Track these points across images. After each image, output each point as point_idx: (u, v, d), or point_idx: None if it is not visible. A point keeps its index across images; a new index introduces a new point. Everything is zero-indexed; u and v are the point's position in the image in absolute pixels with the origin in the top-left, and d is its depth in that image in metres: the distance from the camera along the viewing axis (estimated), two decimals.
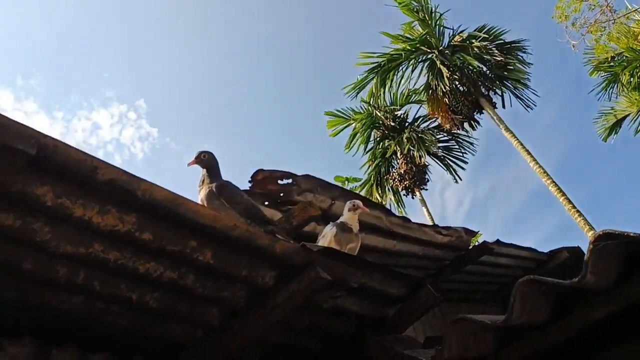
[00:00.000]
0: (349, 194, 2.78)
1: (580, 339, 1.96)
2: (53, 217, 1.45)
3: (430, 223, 13.56)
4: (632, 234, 1.62)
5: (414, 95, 14.85)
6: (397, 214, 3.06)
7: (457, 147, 14.63)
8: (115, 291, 1.72)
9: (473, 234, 3.82)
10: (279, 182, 2.52)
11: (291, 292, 1.90)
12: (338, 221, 2.36)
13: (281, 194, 2.55)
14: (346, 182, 10.10)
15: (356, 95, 14.13)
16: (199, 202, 2.08)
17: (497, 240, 3.85)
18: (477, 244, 4.01)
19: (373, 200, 14.61)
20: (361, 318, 2.32)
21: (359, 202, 2.35)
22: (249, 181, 2.45)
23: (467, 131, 14.15)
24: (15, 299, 1.62)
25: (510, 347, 1.95)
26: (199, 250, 1.71)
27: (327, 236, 2.29)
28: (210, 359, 2.08)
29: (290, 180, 2.55)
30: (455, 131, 14.08)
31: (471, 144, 14.53)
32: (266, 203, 2.57)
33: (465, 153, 14.63)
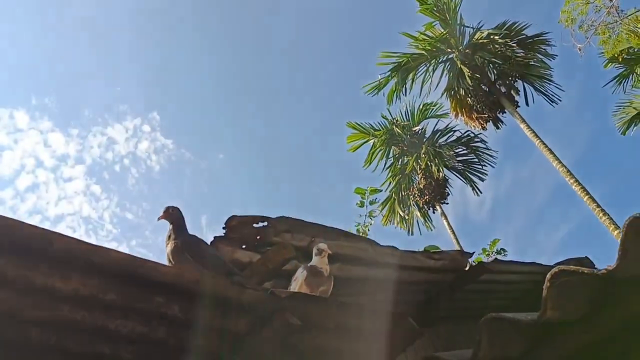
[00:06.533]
0: (328, 230, 2.82)
1: None
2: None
3: (452, 235, 13.41)
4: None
5: (432, 110, 14.87)
6: (383, 244, 3.07)
7: (476, 160, 14.48)
8: (89, 348, 1.79)
9: (469, 255, 3.81)
10: (254, 225, 2.58)
11: (263, 339, 1.94)
12: (308, 265, 2.39)
13: (258, 237, 2.61)
14: (366, 194, 9.93)
15: (377, 93, 14.29)
16: (166, 256, 2.14)
17: (495, 259, 3.85)
18: (474, 264, 3.99)
19: (394, 217, 14.56)
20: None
21: (324, 246, 2.39)
22: (223, 227, 2.52)
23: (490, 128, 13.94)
24: None
25: None
26: (166, 305, 1.77)
27: (298, 280, 2.32)
28: None
29: (265, 223, 2.61)
30: (477, 132, 13.91)
31: (491, 156, 14.38)
32: (243, 246, 2.62)
33: (485, 165, 14.48)
